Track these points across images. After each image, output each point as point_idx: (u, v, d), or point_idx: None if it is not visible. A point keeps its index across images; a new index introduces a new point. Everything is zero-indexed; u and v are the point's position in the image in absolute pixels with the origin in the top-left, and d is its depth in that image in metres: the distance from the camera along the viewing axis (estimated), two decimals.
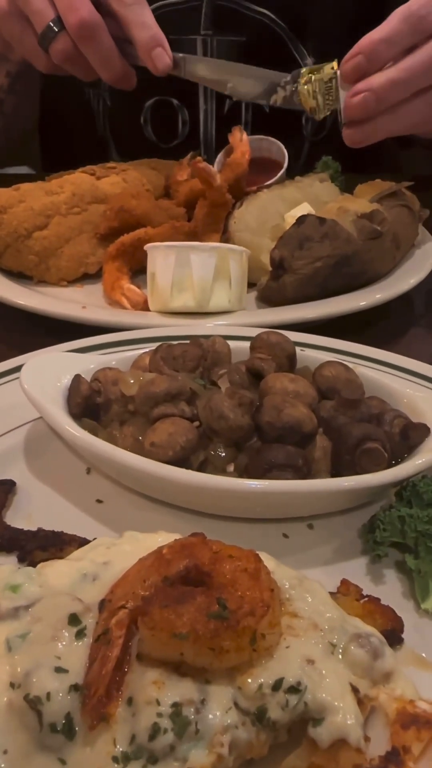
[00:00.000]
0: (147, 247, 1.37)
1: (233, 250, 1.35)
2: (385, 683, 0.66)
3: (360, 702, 0.63)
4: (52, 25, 1.44)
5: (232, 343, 1.07)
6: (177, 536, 0.74)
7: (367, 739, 0.62)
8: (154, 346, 1.05)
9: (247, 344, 1.07)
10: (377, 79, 1.34)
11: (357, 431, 0.88)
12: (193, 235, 1.50)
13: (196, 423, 0.92)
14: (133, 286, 1.42)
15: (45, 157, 2.32)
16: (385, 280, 1.43)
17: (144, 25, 1.44)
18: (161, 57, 1.47)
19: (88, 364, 1.04)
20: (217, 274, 1.31)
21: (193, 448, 0.89)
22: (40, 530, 0.85)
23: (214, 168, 1.57)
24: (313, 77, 1.42)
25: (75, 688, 0.60)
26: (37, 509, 0.92)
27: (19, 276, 1.48)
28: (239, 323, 1.29)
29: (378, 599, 0.76)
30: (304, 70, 1.44)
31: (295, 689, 0.60)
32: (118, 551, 0.74)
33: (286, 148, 1.68)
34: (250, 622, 0.61)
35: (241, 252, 1.37)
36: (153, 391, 0.93)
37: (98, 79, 1.57)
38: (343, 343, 1.19)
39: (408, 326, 1.43)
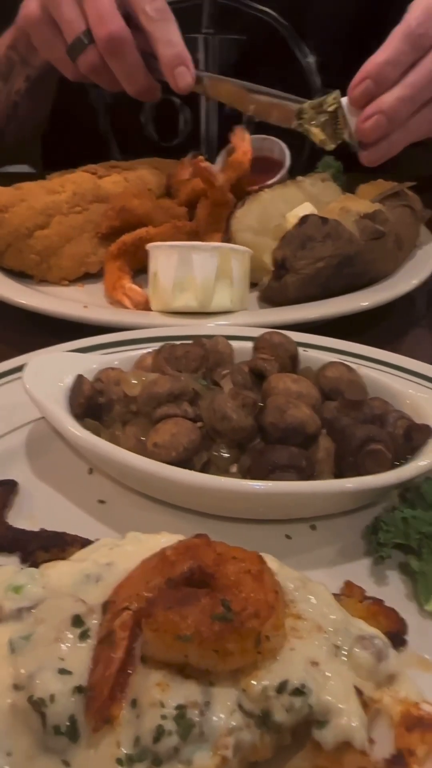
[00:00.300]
0: (149, 246, 1.37)
1: (235, 249, 1.35)
2: (389, 685, 0.66)
3: (364, 704, 0.63)
4: (82, 37, 1.47)
5: (234, 344, 1.07)
6: (180, 537, 0.74)
7: (371, 741, 0.62)
8: (156, 345, 1.05)
9: (249, 344, 1.07)
10: (386, 100, 1.38)
11: (360, 433, 0.88)
12: (194, 235, 1.50)
13: (199, 424, 0.92)
14: (134, 286, 1.42)
15: (46, 155, 2.32)
16: (387, 281, 1.44)
17: (169, 43, 1.47)
18: (183, 76, 1.49)
19: (91, 364, 1.04)
20: (219, 274, 1.31)
21: (196, 449, 0.89)
22: (42, 531, 0.85)
23: (216, 167, 1.57)
24: (317, 114, 1.45)
25: (79, 690, 0.60)
26: (39, 510, 0.92)
27: (21, 275, 1.48)
28: (241, 323, 1.29)
29: (381, 601, 0.76)
30: (305, 105, 1.47)
31: (299, 691, 0.60)
32: (121, 552, 0.74)
33: (287, 147, 1.68)
34: (255, 624, 0.61)
35: (243, 252, 1.37)
36: (156, 392, 0.93)
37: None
38: (345, 344, 1.19)
39: (410, 327, 1.43)
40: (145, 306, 1.37)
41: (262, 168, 1.68)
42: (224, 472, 0.90)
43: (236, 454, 0.91)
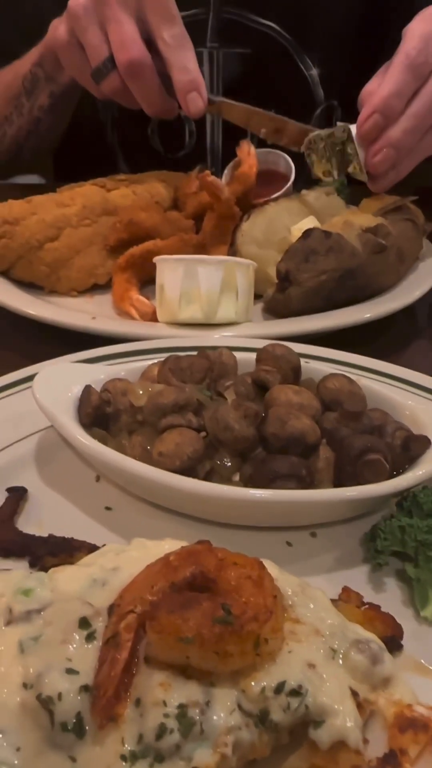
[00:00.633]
0: (156, 259, 1.39)
1: (240, 263, 1.37)
2: (384, 688, 0.68)
3: (359, 706, 0.65)
4: (105, 62, 1.53)
5: (238, 355, 1.09)
6: (183, 543, 0.76)
7: (365, 741, 0.64)
8: (162, 356, 1.07)
9: (253, 355, 1.09)
10: (393, 134, 1.45)
11: (359, 443, 0.90)
12: (201, 248, 1.52)
13: (203, 433, 0.94)
14: (142, 297, 1.44)
15: (56, 167, 2.36)
16: (389, 293, 1.46)
17: (184, 69, 1.52)
18: (195, 101, 1.54)
19: (99, 375, 1.06)
20: (224, 286, 1.34)
21: (199, 458, 0.91)
22: (50, 536, 0.87)
23: (222, 181, 1.59)
24: (327, 143, 1.55)
25: (85, 688, 0.62)
26: (47, 516, 0.94)
27: (31, 286, 1.51)
28: (245, 334, 1.31)
29: (378, 606, 0.78)
30: (315, 135, 1.57)
31: (296, 692, 0.62)
32: (127, 557, 0.76)
33: (292, 161, 1.71)
34: (254, 627, 0.63)
35: (248, 265, 1.39)
36: (161, 402, 0.95)
37: None
38: (346, 355, 1.21)
39: (411, 339, 1.45)
40: (153, 317, 1.39)
41: (268, 181, 1.70)
42: (227, 480, 0.92)
43: (238, 463, 0.93)
